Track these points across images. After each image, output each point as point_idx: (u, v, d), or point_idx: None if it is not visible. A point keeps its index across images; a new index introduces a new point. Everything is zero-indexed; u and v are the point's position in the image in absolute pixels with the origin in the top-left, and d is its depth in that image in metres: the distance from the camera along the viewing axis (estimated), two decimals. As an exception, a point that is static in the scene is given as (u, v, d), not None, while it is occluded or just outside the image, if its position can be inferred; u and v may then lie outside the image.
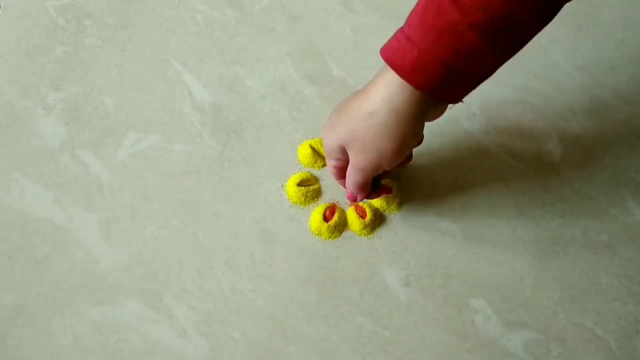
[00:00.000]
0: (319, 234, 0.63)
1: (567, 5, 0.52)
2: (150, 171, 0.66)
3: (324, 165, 0.67)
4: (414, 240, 0.64)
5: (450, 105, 0.56)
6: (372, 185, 0.60)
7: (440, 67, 0.49)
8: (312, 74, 0.71)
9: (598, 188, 0.66)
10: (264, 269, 0.62)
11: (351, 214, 0.64)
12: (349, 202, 0.64)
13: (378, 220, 0.64)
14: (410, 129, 0.53)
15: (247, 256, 0.63)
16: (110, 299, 0.61)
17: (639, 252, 0.63)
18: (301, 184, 0.65)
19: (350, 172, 0.58)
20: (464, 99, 0.54)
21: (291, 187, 0.65)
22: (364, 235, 0.64)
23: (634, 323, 0.61)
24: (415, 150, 0.67)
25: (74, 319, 0.60)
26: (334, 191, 0.66)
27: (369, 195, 0.61)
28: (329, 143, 0.57)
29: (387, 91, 0.52)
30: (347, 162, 0.57)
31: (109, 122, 0.68)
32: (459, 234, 0.64)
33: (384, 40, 0.53)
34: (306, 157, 0.66)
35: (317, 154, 0.66)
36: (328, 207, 0.64)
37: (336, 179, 0.61)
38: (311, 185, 0.65)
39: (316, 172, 0.67)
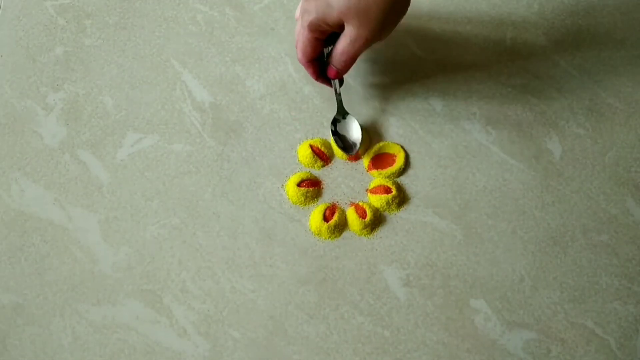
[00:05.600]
0: (319, 234, 0.63)
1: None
2: (150, 171, 0.66)
3: (324, 165, 0.67)
4: (414, 240, 0.64)
5: None
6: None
7: None
8: (312, 74, 0.71)
9: (598, 188, 0.66)
10: (264, 269, 0.62)
11: (351, 214, 0.64)
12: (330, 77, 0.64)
13: (378, 220, 0.64)
14: None
15: (247, 256, 0.63)
16: (110, 299, 0.61)
17: (639, 252, 0.63)
18: (301, 184, 0.65)
19: (346, 47, 0.60)
20: None
21: (291, 187, 0.65)
22: (364, 235, 0.64)
23: (634, 323, 0.61)
24: (415, 150, 0.67)
25: (74, 319, 0.60)
26: (334, 191, 0.66)
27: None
28: (326, 12, 0.58)
29: None
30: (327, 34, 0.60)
31: (109, 122, 0.68)
32: (459, 234, 0.64)
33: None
34: (306, 157, 0.66)
35: (317, 154, 0.66)
36: (328, 207, 0.64)
37: (302, 61, 0.64)
38: (311, 185, 0.65)
39: (316, 172, 0.67)
